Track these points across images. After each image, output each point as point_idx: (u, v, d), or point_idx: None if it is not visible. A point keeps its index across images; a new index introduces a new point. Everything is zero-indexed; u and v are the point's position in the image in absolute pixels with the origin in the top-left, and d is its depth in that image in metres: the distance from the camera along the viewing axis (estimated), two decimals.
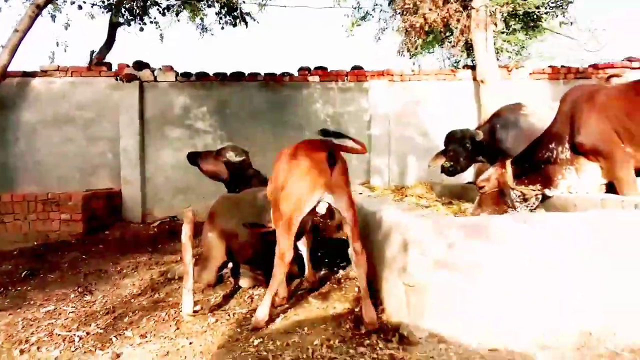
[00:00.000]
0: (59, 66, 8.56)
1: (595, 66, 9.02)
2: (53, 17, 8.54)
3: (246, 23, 9.32)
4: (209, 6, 8.30)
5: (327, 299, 3.58)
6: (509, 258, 2.55)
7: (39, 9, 7.27)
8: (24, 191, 7.80)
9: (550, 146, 4.15)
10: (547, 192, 4.06)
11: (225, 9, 8.62)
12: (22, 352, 2.86)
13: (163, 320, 3.34)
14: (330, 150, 2.90)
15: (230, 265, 4.31)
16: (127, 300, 3.94)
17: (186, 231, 3.32)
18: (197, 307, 3.48)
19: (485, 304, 2.52)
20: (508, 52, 10.57)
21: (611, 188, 3.92)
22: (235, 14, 8.72)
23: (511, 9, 8.35)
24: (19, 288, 4.40)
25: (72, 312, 3.65)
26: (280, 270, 3.04)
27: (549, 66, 9.26)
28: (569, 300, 2.53)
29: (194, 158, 5.79)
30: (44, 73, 8.59)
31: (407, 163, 9.27)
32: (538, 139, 4.33)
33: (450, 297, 2.53)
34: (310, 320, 3.13)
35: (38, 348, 2.91)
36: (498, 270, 2.54)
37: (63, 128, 8.67)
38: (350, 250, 3.02)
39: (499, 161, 4.28)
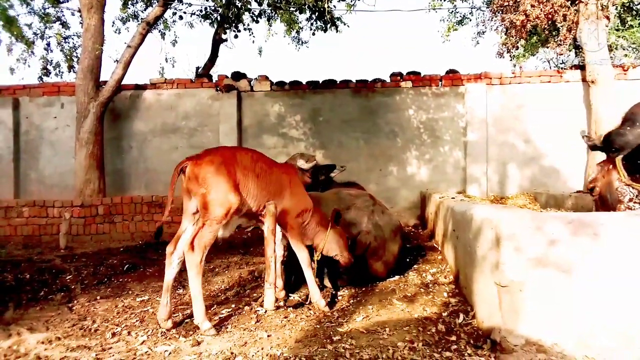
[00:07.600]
0: (165, 79, 9.20)
1: None
2: (162, 34, 9.25)
3: (336, 27, 9.34)
4: (300, 12, 8.46)
5: (413, 302, 3.37)
6: (620, 257, 2.20)
7: (149, 25, 7.89)
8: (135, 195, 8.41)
9: None
10: None
11: (316, 14, 8.72)
12: (113, 334, 3.00)
13: (245, 313, 3.36)
14: None
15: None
16: (215, 295, 4.04)
17: (268, 225, 3.30)
18: (280, 303, 3.47)
19: (594, 308, 2.20)
20: (624, 49, 9.53)
21: None
22: (325, 18, 8.80)
23: (626, 1, 7.49)
24: (120, 280, 4.70)
25: None
26: None
27: None
28: None
29: None
30: (153, 86, 9.27)
31: (507, 171, 8.68)
32: None
33: (551, 299, 2.23)
34: (393, 322, 2.95)
35: (129, 332, 3.04)
36: (608, 270, 2.20)
37: (170, 137, 9.27)
38: None
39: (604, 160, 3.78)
